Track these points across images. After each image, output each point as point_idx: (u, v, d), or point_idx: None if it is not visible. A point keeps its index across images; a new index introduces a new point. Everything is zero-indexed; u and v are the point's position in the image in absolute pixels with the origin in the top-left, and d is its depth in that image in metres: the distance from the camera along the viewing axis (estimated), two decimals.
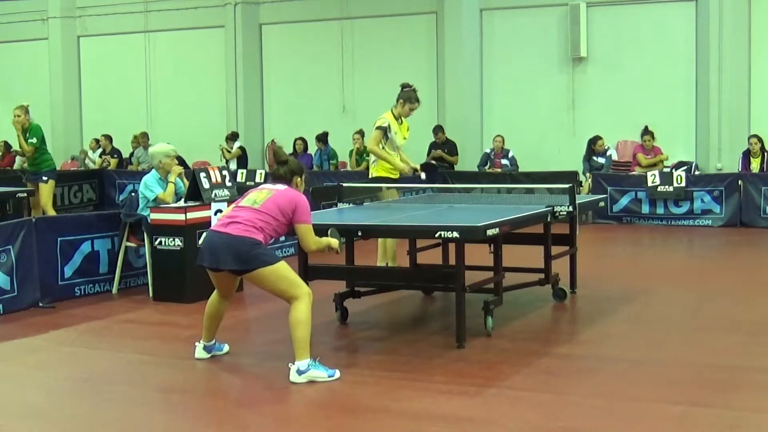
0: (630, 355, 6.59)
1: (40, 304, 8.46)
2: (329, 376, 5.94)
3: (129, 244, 9.21)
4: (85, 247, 9.03)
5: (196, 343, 6.63)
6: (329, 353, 6.98)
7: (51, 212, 12.16)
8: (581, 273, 8.88)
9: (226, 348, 6.72)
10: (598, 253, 11.68)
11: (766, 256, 11.69)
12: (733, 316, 7.85)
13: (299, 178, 6.45)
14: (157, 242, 8.75)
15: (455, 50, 17.73)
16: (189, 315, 8.18)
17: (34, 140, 12.34)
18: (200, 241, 6.57)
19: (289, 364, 5.99)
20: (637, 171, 15.17)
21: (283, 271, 6.06)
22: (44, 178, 12.48)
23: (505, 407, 5.44)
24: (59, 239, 8.79)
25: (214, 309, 6.55)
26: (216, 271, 6.25)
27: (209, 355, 6.60)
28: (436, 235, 6.68)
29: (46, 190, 12.47)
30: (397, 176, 9.79)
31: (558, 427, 5.10)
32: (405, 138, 9.84)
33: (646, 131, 15.39)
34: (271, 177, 6.57)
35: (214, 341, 6.65)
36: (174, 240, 8.64)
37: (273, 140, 19.74)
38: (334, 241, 6.42)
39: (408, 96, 9.71)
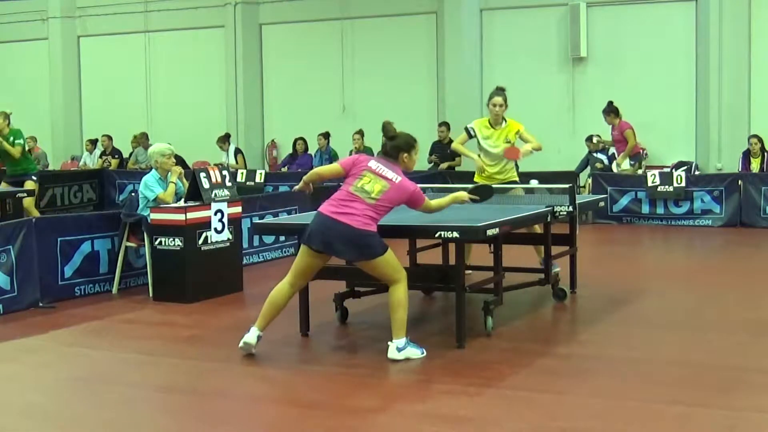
0: (630, 355, 6.59)
1: (40, 304, 8.46)
2: (421, 354, 6.39)
3: (129, 244, 9.21)
4: (85, 247, 9.03)
5: (252, 327, 6.55)
6: (329, 353, 6.99)
7: (35, 213, 12.21)
8: (581, 273, 8.88)
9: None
10: (598, 253, 11.68)
11: (766, 256, 11.69)
12: (733, 316, 7.85)
13: (406, 155, 6.50)
14: (157, 242, 8.75)
15: (455, 50, 17.73)
16: (189, 315, 8.19)
17: (21, 141, 12.64)
18: (310, 222, 6.53)
19: (388, 342, 6.34)
20: (618, 165, 14.93)
21: (390, 259, 6.40)
22: (33, 178, 12.61)
23: (505, 407, 5.44)
24: (59, 239, 8.78)
25: (281, 297, 6.58)
26: (318, 257, 6.44)
27: (256, 343, 6.54)
28: (436, 235, 6.68)
29: (29, 200, 12.55)
30: (484, 179, 9.09)
31: (558, 427, 5.10)
32: (499, 146, 9.14)
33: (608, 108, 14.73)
34: (381, 151, 6.68)
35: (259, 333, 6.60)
36: (174, 240, 8.64)
37: (273, 140, 19.76)
38: (461, 195, 6.83)
39: (489, 96, 9.27)
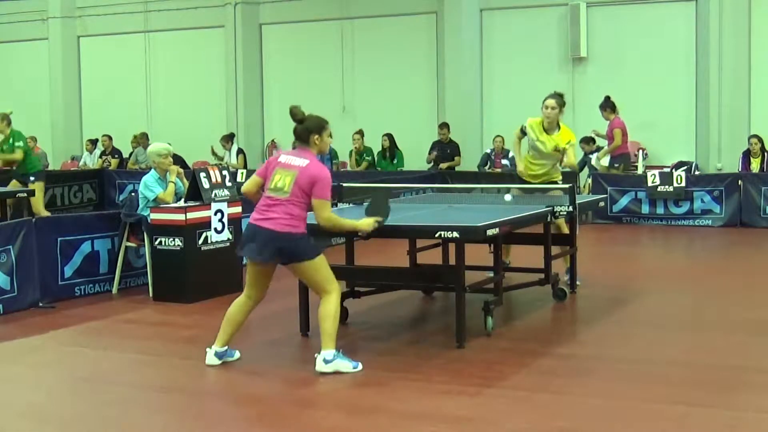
0: (630, 355, 6.59)
1: (40, 304, 8.46)
2: (353, 368, 6.13)
3: (129, 244, 9.20)
4: (85, 247, 9.03)
5: (207, 349, 6.45)
6: None
7: (44, 213, 12.20)
8: (581, 273, 8.88)
9: (237, 354, 6.53)
10: (598, 253, 11.68)
11: (766, 256, 11.69)
12: (733, 316, 7.85)
13: (317, 136, 6.31)
14: (157, 242, 8.74)
15: (455, 50, 17.73)
16: (189, 315, 8.19)
17: (21, 143, 12.66)
18: (242, 233, 6.46)
19: (316, 354, 6.13)
20: (597, 159, 14.83)
21: (321, 267, 6.21)
22: (32, 179, 12.64)
23: (505, 407, 5.44)
24: (59, 239, 8.78)
25: (238, 312, 6.41)
26: (260, 264, 6.28)
27: (220, 362, 6.40)
28: (436, 235, 6.68)
29: (36, 192, 12.56)
30: (528, 178, 8.99)
31: (558, 427, 5.10)
32: (548, 152, 8.86)
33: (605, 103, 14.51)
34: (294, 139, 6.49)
35: (226, 348, 6.46)
36: (174, 240, 8.64)
37: (273, 140, 19.75)
38: (364, 223, 6.40)
39: (543, 99, 8.99)
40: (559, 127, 8.93)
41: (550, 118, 8.87)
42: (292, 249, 6.14)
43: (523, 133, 9.09)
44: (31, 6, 21.56)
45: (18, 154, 12.59)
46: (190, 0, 20.10)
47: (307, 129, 6.33)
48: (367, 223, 6.44)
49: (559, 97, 8.99)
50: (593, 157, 15.06)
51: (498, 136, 16.58)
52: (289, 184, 6.15)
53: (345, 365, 6.13)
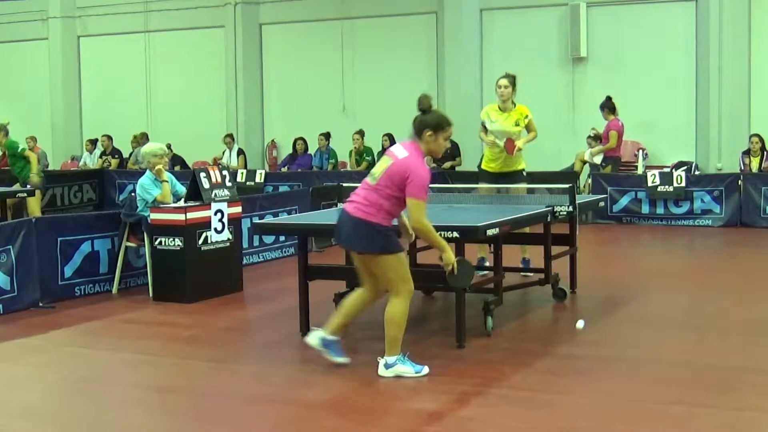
0: (630, 355, 6.59)
1: (40, 304, 8.46)
2: (416, 372, 5.93)
3: (129, 244, 9.21)
4: (85, 247, 9.03)
5: (314, 328, 6.19)
6: None
7: (35, 211, 12.23)
8: (581, 273, 8.88)
9: (341, 358, 6.16)
10: (598, 253, 11.68)
11: (766, 256, 11.69)
12: (733, 316, 7.85)
13: (430, 132, 5.84)
14: (157, 242, 8.74)
15: (455, 50, 17.73)
16: (189, 315, 8.19)
17: (23, 146, 12.81)
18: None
19: (378, 358, 6.01)
20: (591, 154, 14.82)
21: (394, 264, 5.87)
22: (29, 186, 12.68)
23: (505, 407, 5.44)
24: (59, 239, 8.78)
25: (351, 301, 6.13)
26: (349, 251, 6.12)
27: (322, 349, 6.12)
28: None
29: (34, 199, 12.57)
30: (497, 168, 9.53)
31: (558, 427, 5.10)
32: (513, 123, 9.41)
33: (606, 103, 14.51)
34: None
35: (337, 339, 6.15)
36: (174, 240, 8.64)
37: (273, 140, 19.76)
38: (449, 257, 5.94)
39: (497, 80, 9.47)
40: (514, 104, 9.47)
41: (504, 96, 9.38)
42: (360, 236, 5.84)
43: (484, 127, 9.51)
44: (31, 6, 21.56)
45: (31, 154, 12.68)
46: (190, 0, 20.10)
47: (424, 123, 5.88)
48: (450, 258, 5.97)
49: (511, 77, 9.44)
50: (587, 152, 15.05)
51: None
52: (380, 171, 5.88)
53: (407, 370, 5.92)
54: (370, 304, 6.21)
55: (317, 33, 19.27)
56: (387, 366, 5.94)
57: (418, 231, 5.93)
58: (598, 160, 14.57)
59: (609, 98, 14.46)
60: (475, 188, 9.55)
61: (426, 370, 5.97)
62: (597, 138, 15.56)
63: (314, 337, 6.21)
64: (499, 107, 9.47)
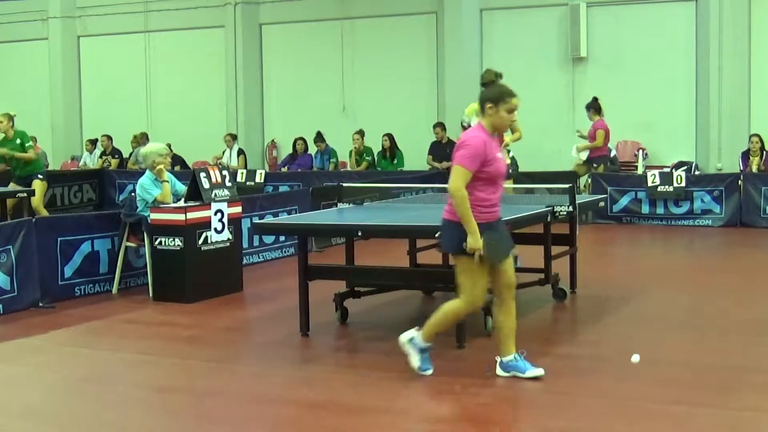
0: (630, 355, 6.58)
1: (40, 304, 8.45)
2: (419, 366, 5.83)
3: (129, 244, 9.20)
4: (85, 247, 9.03)
5: (497, 358, 5.91)
6: (329, 353, 6.99)
7: (43, 212, 12.21)
8: (581, 273, 8.88)
9: (534, 370, 5.82)
10: (598, 253, 11.68)
11: (766, 256, 11.68)
12: (733, 316, 7.85)
13: (490, 105, 5.63)
14: (157, 242, 8.74)
15: (455, 50, 17.73)
16: (189, 315, 8.19)
17: (30, 143, 12.78)
18: None
19: (496, 357, 5.84)
20: (577, 150, 14.79)
21: (464, 268, 5.64)
22: (39, 176, 12.70)
23: (505, 407, 5.44)
24: (59, 239, 8.78)
25: (498, 320, 5.91)
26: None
27: (508, 374, 5.85)
28: (436, 235, 6.67)
29: (39, 190, 12.58)
30: None
31: (558, 427, 5.10)
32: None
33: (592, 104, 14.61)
34: None
35: (512, 357, 5.86)
36: (174, 240, 8.64)
37: (273, 140, 19.76)
38: (473, 242, 5.54)
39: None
40: None
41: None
42: (443, 235, 5.71)
43: (464, 127, 9.51)
44: (31, 6, 21.56)
45: (32, 154, 12.71)
46: (190, 0, 20.11)
47: (484, 96, 5.69)
48: (473, 243, 5.55)
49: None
50: (573, 147, 15.04)
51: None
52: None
53: (415, 359, 5.84)
54: (507, 306, 5.92)
55: (317, 33, 19.27)
56: (410, 340, 5.86)
57: (451, 196, 5.60)
58: (584, 156, 14.56)
59: (595, 99, 14.54)
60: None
61: (536, 372, 5.77)
62: (583, 138, 15.55)
63: (501, 370, 5.93)
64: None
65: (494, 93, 5.69)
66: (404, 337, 5.94)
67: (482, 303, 5.87)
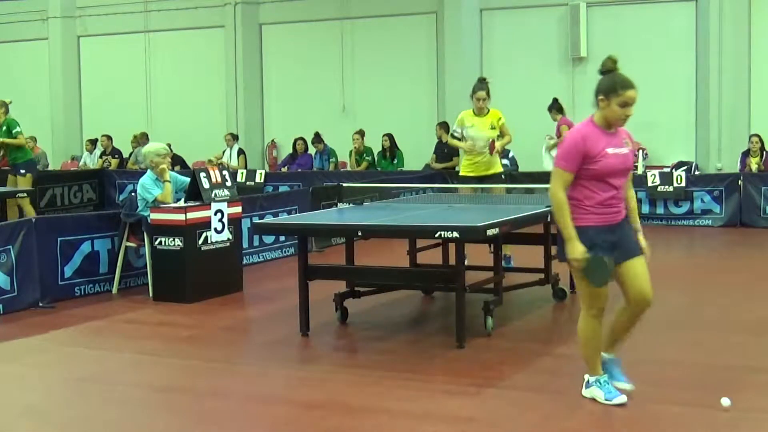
0: (629, 355, 6.57)
1: (40, 304, 8.46)
2: (605, 399, 5.31)
3: (129, 244, 9.20)
4: (85, 247, 9.03)
5: (587, 377, 5.47)
6: (329, 353, 7.00)
7: (30, 211, 12.17)
8: None
9: (626, 385, 5.46)
10: None
11: (766, 256, 11.69)
12: (733, 316, 7.85)
13: (602, 97, 5.17)
14: (157, 242, 8.74)
15: (455, 50, 17.73)
16: (189, 315, 8.19)
17: (18, 129, 12.79)
18: None
19: (585, 374, 5.56)
20: (547, 149, 14.78)
21: (575, 274, 5.33)
22: (21, 171, 12.68)
23: (505, 407, 5.44)
24: (59, 239, 8.78)
25: (614, 320, 5.50)
26: None
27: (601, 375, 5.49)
28: (436, 235, 6.68)
29: (24, 184, 12.57)
30: (477, 172, 9.93)
31: (558, 427, 5.10)
32: (484, 132, 9.86)
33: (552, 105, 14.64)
34: None
35: (611, 357, 5.53)
36: (174, 240, 8.64)
37: (273, 140, 19.76)
38: (571, 249, 5.13)
39: (473, 89, 9.96)
40: (488, 110, 9.98)
41: (482, 105, 9.91)
42: (559, 245, 5.29)
43: (453, 136, 10.07)
44: (31, 6, 21.56)
45: (21, 140, 12.74)
46: (190, 0, 20.11)
47: (597, 87, 5.23)
48: (577, 249, 5.13)
49: (487, 88, 9.90)
50: (543, 147, 15.05)
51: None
52: None
53: (598, 394, 5.33)
54: (629, 314, 5.47)
55: (317, 33, 19.28)
56: (587, 386, 5.44)
57: (551, 200, 5.25)
58: (553, 153, 14.57)
59: (555, 100, 14.70)
60: (480, 188, 9.71)
61: (621, 399, 5.29)
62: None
63: (590, 391, 5.51)
64: (474, 113, 9.95)
65: (607, 84, 5.20)
66: (585, 393, 5.45)
67: (604, 305, 5.34)
